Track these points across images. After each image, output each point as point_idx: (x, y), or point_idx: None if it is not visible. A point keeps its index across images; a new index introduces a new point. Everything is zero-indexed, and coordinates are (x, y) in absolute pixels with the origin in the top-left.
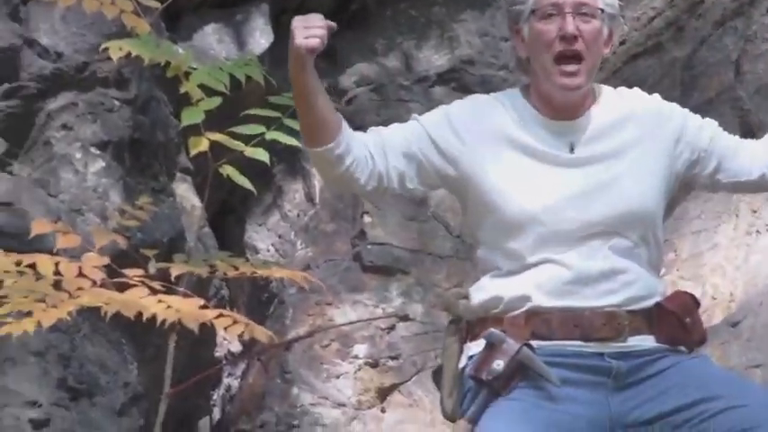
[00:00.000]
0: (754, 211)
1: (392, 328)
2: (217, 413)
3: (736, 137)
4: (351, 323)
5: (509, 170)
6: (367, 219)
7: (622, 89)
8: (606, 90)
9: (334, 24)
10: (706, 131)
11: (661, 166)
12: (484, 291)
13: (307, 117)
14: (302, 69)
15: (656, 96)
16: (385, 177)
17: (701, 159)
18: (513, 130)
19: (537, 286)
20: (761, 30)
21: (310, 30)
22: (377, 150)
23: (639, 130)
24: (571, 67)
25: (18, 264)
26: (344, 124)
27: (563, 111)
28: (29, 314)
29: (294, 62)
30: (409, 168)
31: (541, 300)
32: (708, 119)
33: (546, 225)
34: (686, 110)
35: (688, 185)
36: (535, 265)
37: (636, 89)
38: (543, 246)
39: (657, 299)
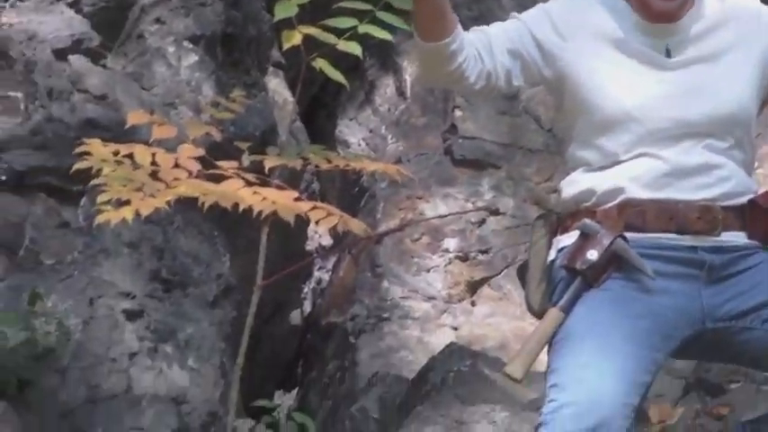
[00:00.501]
0: None
1: (483, 221)
2: (307, 306)
3: None
4: (441, 217)
5: (608, 68)
6: (458, 113)
7: None
8: None
9: None
10: None
11: (757, 69)
12: (576, 184)
13: (427, 10)
14: None
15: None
16: (493, 76)
17: None
18: (613, 30)
19: (632, 179)
20: None
21: None
22: (485, 49)
23: (736, 34)
24: None
25: (115, 153)
26: (458, 22)
27: (661, 15)
28: (127, 203)
29: None
30: (514, 66)
31: (636, 191)
32: None
33: (641, 123)
34: None
35: None
36: (629, 160)
37: None
38: (637, 144)
39: (750, 196)
